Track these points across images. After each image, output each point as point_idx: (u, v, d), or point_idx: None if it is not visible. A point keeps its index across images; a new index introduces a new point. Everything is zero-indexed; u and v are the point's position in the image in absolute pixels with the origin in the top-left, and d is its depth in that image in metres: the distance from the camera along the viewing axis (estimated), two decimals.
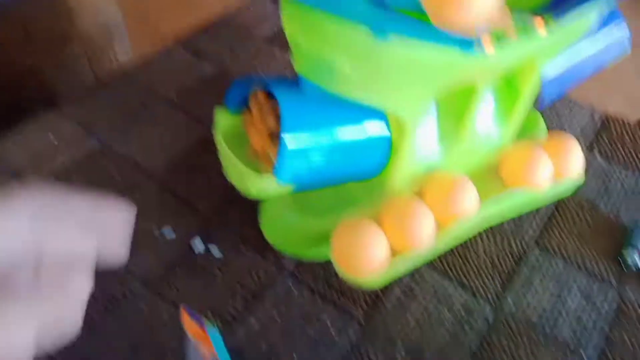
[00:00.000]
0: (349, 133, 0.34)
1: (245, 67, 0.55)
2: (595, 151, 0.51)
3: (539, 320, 0.37)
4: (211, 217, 0.42)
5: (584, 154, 0.44)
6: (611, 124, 0.54)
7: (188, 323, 0.26)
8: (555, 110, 0.55)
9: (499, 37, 0.32)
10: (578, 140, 0.43)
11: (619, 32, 0.43)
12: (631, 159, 0.50)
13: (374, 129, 0.35)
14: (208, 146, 0.47)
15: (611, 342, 0.36)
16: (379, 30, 0.28)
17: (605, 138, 0.52)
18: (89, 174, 0.44)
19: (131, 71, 0.53)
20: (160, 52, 0.56)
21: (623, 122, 0.54)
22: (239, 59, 0.56)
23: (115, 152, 0.46)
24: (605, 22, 0.41)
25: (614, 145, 0.52)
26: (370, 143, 0.35)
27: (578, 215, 0.45)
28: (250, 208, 0.42)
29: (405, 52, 0.30)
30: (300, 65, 0.33)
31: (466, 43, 0.30)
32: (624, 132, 0.53)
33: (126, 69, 0.54)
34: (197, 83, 0.53)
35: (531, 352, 0.35)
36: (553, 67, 0.40)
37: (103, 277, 0.37)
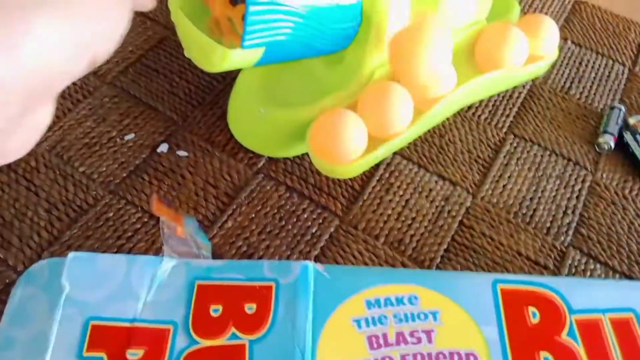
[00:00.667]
0: None
1: None
2: (567, 36, 0.49)
3: (516, 204, 0.37)
4: (176, 121, 0.39)
5: None
6: (582, 8, 0.52)
7: (161, 210, 0.24)
8: None
9: None
10: None
11: None
12: (602, 44, 0.49)
13: None
14: (164, 47, 0.44)
15: (585, 220, 0.37)
16: None
17: (576, 23, 0.51)
18: None
19: None
20: None
21: (594, 6, 0.53)
22: None
23: None
24: None
25: (585, 30, 0.50)
26: (341, 7, 0.32)
27: (551, 101, 0.44)
28: (217, 110, 0.40)
29: None
30: None
31: None
32: (595, 17, 0.52)
33: None
34: None
35: (510, 235, 0.36)
36: None
37: (63, 185, 0.35)
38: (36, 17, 0.18)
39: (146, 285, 0.21)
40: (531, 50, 0.40)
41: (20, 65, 0.18)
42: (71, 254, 0.23)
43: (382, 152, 0.35)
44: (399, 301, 0.21)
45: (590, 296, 0.22)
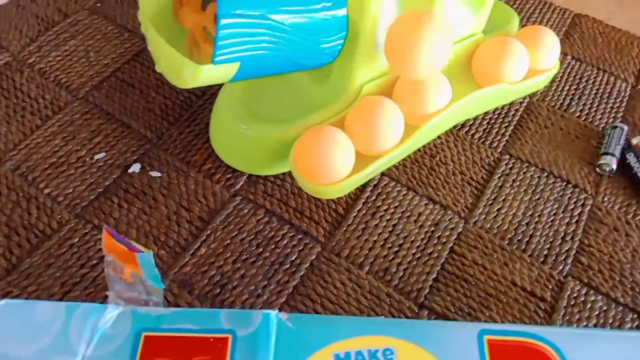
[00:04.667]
0: (299, 5, 0.28)
1: None
2: (567, 51, 0.47)
3: (511, 230, 0.35)
4: (151, 139, 0.37)
5: None
6: (582, 22, 0.50)
7: (110, 245, 0.22)
8: (524, 10, 0.51)
9: None
10: None
11: None
12: (603, 59, 0.47)
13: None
14: (141, 60, 0.41)
15: (585, 248, 0.35)
16: None
17: (576, 38, 0.49)
18: (0, 93, 0.38)
19: None
20: None
21: (594, 20, 0.50)
22: None
23: (30, 67, 0.40)
24: None
25: (585, 45, 0.48)
26: (325, 19, 0.30)
27: (550, 119, 0.42)
28: (194, 129, 0.38)
29: None
30: None
31: None
32: (596, 31, 0.50)
33: None
34: None
35: (504, 264, 0.33)
36: None
37: (26, 208, 0.33)
38: None
39: (86, 338, 0.19)
40: (531, 64, 0.38)
41: None
42: (2, 302, 0.20)
43: (370, 171, 0.33)
44: (372, 355, 0.19)
45: (592, 352, 0.20)
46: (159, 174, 0.35)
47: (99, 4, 0.44)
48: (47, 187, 0.34)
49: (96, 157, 0.35)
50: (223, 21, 0.26)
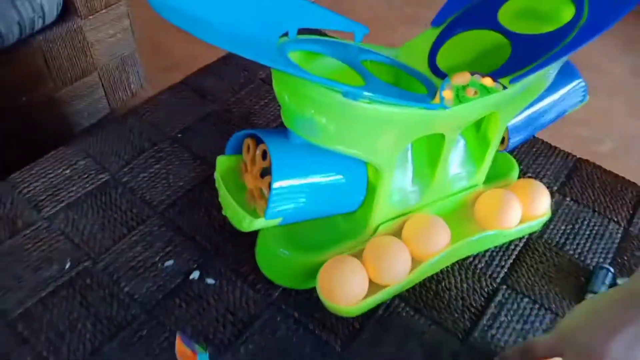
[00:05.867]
0: (330, 176, 0.39)
1: (246, 104, 0.60)
2: (566, 193, 0.54)
3: None
4: (209, 251, 0.46)
5: (555, 196, 0.48)
6: (583, 167, 0.57)
7: (181, 351, 0.30)
8: (532, 153, 0.58)
9: (460, 96, 0.37)
10: (550, 182, 0.48)
11: (575, 83, 0.48)
12: (599, 202, 0.54)
13: (353, 173, 0.40)
14: (208, 183, 0.52)
15: None
16: (351, 93, 0.33)
17: (576, 181, 0.56)
18: (99, 205, 0.49)
19: (140, 109, 0.58)
20: (167, 91, 0.60)
21: (594, 165, 0.58)
22: (240, 97, 0.61)
23: (123, 185, 0.51)
24: (563, 75, 0.45)
25: (584, 188, 0.55)
26: (350, 185, 0.40)
27: (545, 255, 0.48)
28: (244, 244, 0.47)
29: (374, 109, 0.34)
30: (287, 120, 0.37)
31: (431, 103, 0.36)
32: (595, 176, 0.57)
33: (136, 107, 0.58)
34: (201, 121, 0.57)
35: None
36: (517, 116, 0.45)
37: (109, 302, 0.42)
38: None
39: None
40: (526, 211, 0.46)
41: None
42: None
43: (381, 297, 0.41)
44: None
45: None
46: (213, 282, 0.44)
47: (179, 135, 0.56)
48: (127, 285, 0.43)
49: (166, 264, 0.45)
50: (275, 190, 0.36)
